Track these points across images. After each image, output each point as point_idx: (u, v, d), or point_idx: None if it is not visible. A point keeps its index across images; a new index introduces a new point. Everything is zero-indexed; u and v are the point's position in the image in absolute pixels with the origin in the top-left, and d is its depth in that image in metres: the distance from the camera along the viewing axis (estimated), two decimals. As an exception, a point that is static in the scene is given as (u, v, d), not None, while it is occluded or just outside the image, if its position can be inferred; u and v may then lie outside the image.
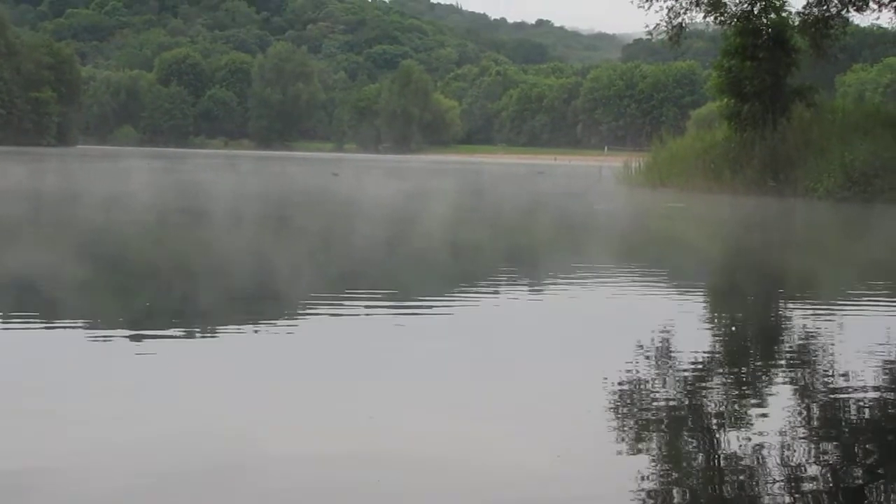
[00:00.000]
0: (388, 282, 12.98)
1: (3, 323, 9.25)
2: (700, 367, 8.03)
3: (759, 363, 8.50)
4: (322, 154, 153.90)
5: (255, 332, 9.01)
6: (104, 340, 8.38)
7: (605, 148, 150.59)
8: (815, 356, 8.65)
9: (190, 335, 8.87)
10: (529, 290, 12.60)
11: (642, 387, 7.21)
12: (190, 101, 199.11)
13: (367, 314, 10.15)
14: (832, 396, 7.13)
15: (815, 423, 6.40)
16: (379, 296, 11.42)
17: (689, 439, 5.97)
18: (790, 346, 9.20)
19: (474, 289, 12.45)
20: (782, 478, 5.25)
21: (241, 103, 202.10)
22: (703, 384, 7.43)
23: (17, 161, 63.25)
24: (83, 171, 55.29)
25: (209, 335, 8.92)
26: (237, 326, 9.29)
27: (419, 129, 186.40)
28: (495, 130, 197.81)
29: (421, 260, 15.74)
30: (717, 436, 6.04)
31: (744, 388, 7.41)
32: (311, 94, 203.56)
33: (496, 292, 12.23)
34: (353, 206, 29.33)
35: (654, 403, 6.78)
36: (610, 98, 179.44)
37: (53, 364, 7.49)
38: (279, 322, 9.52)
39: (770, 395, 7.19)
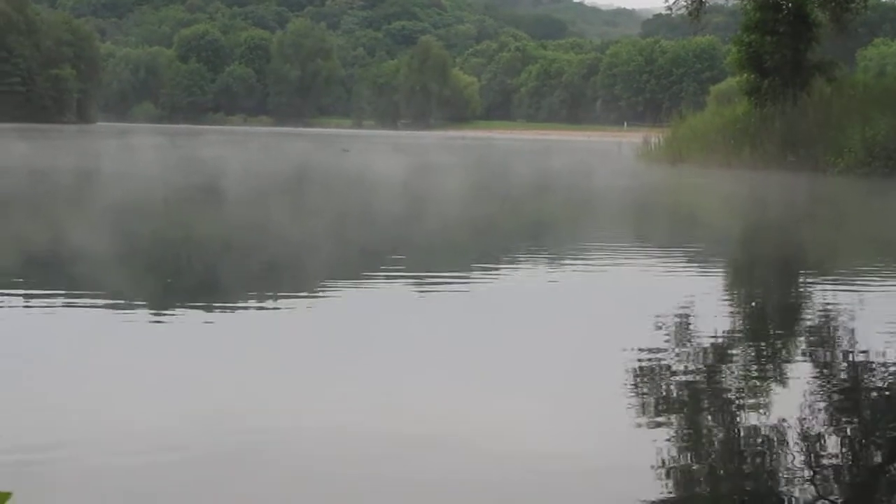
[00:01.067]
0: (404, 259, 12.96)
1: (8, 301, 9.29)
2: (720, 343, 8.01)
3: (779, 339, 8.48)
4: (340, 130, 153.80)
5: (262, 310, 9.03)
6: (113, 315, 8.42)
7: (625, 124, 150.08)
8: (836, 332, 8.62)
9: (204, 312, 8.88)
10: (548, 267, 12.58)
11: (662, 363, 7.20)
12: (209, 77, 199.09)
13: (385, 290, 10.15)
14: (853, 373, 7.11)
15: (836, 400, 6.38)
16: (395, 273, 11.42)
17: (710, 415, 5.96)
18: (811, 323, 9.17)
19: (492, 266, 12.43)
20: (803, 454, 5.24)
21: (260, 80, 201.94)
22: (724, 360, 7.42)
23: (23, 138, 63.34)
24: (90, 147, 55.35)
25: (220, 313, 8.93)
26: (246, 305, 9.31)
27: (438, 106, 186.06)
28: (514, 106, 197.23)
29: (438, 237, 15.72)
30: (738, 412, 6.02)
31: (764, 364, 7.39)
32: (330, 71, 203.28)
33: (514, 269, 12.22)
34: (353, 181, 29.25)
35: (675, 379, 6.77)
36: (629, 74, 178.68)
37: (68, 340, 7.53)
38: (283, 301, 9.54)
39: (790, 371, 7.17)
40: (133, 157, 43.75)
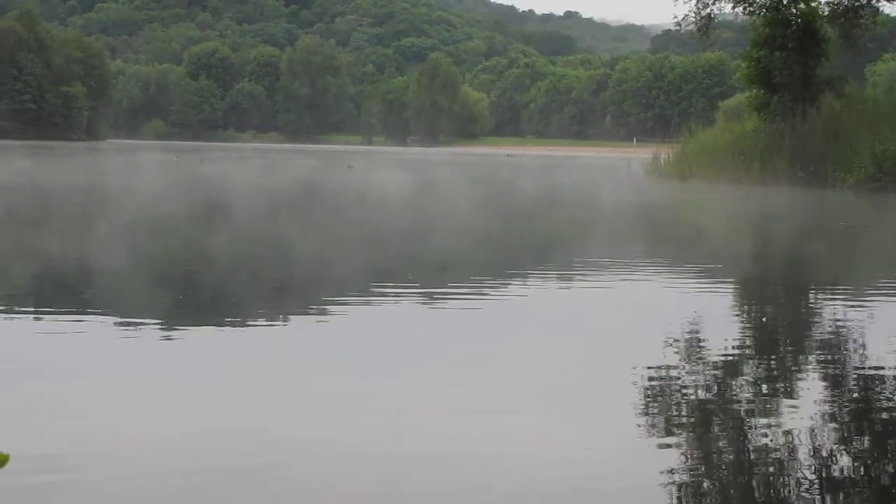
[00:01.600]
0: (412, 277, 12.96)
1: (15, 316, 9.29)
2: (731, 358, 7.98)
3: (789, 354, 8.44)
4: (349, 147, 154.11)
5: (271, 326, 9.02)
6: (127, 332, 8.42)
7: (634, 139, 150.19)
8: (847, 347, 8.58)
9: (213, 328, 8.88)
10: (557, 284, 12.56)
11: (673, 378, 7.17)
12: (219, 94, 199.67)
13: (395, 308, 10.13)
14: (864, 388, 7.07)
15: (847, 416, 6.34)
16: (405, 290, 11.40)
17: (721, 431, 5.93)
18: (823, 339, 9.12)
19: (502, 283, 12.40)
20: (813, 470, 5.20)
21: (270, 97, 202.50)
22: (735, 377, 7.38)
23: (30, 155, 63.52)
24: (93, 164, 55.49)
25: (230, 329, 8.93)
26: (255, 324, 9.30)
27: (447, 122, 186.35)
28: (523, 122, 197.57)
29: (445, 254, 15.71)
30: (748, 427, 5.99)
31: (775, 379, 7.36)
32: (340, 87, 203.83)
33: (524, 286, 12.20)
34: (356, 199, 29.23)
35: (685, 395, 6.74)
36: (639, 89, 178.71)
37: (84, 355, 7.52)
38: (291, 317, 9.54)
39: (801, 386, 7.13)
40: (135, 174, 43.84)
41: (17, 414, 5.97)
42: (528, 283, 12.44)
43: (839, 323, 9.82)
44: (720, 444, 5.67)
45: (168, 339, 8.29)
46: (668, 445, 5.58)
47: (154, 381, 6.77)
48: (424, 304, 10.37)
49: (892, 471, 5.30)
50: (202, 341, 8.26)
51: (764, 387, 7.07)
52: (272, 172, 48.84)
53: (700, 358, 7.96)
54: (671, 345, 8.38)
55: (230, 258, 14.43)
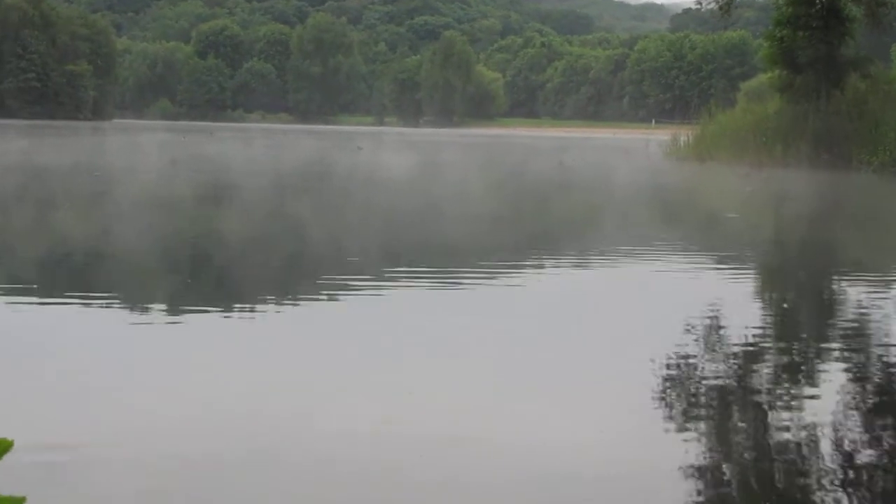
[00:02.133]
0: (421, 260, 12.94)
1: None
2: (751, 346, 7.93)
3: (811, 343, 8.39)
4: (360, 128, 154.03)
5: (278, 311, 9.01)
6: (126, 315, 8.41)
7: (653, 121, 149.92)
8: (871, 335, 8.52)
9: (224, 313, 8.87)
10: (572, 269, 12.52)
11: (691, 366, 7.13)
12: (227, 73, 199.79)
13: (403, 291, 10.10)
14: (889, 379, 7.01)
15: (869, 405, 6.28)
16: (413, 274, 11.38)
17: (738, 420, 5.88)
18: (844, 325, 9.06)
19: (514, 268, 12.37)
20: (833, 461, 5.16)
21: (280, 76, 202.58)
22: (754, 364, 7.33)
23: (31, 135, 63.65)
24: (96, 144, 55.64)
25: (237, 314, 8.91)
26: (261, 306, 9.29)
27: (461, 102, 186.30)
28: (539, 103, 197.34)
29: (456, 237, 15.68)
30: (767, 417, 5.94)
31: (795, 367, 7.31)
32: (351, 67, 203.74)
33: (537, 271, 12.16)
34: (364, 180, 29.25)
35: (703, 383, 6.69)
36: (658, 70, 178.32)
37: (88, 340, 7.51)
38: (298, 301, 9.51)
39: (822, 375, 7.07)
40: (137, 154, 43.91)
41: (20, 399, 5.96)
42: (541, 268, 12.39)
43: (863, 310, 9.76)
44: (739, 434, 5.63)
45: (174, 323, 8.27)
46: (685, 434, 5.54)
47: (160, 367, 6.75)
48: (435, 289, 10.33)
49: (917, 463, 5.25)
50: (209, 326, 8.24)
51: (785, 376, 7.02)
52: (279, 153, 48.90)
53: (719, 346, 7.91)
54: (689, 332, 8.33)
55: (236, 241, 14.42)
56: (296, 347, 7.48)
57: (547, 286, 10.89)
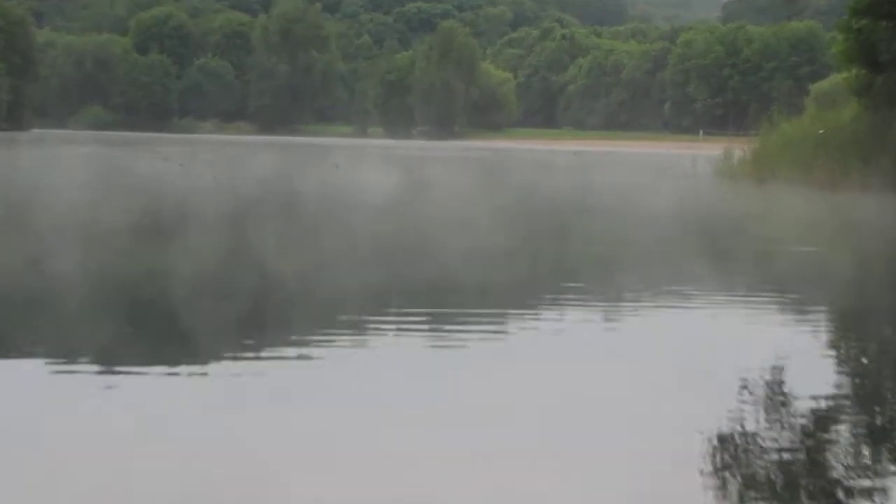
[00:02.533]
0: (415, 305, 12.96)
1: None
2: (821, 412, 7.92)
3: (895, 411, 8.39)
4: (338, 140, 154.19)
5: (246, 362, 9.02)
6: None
7: (701, 132, 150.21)
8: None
9: (167, 370, 8.87)
10: (602, 312, 12.51)
11: (746, 435, 7.12)
12: (174, 73, 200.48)
13: (395, 342, 10.11)
14: None
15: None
16: (406, 321, 11.40)
17: (808, 506, 5.89)
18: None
19: (528, 313, 12.37)
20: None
21: (239, 76, 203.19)
22: (825, 435, 7.33)
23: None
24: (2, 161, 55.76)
25: (189, 371, 8.92)
26: (223, 362, 9.30)
27: (463, 109, 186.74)
28: (560, 110, 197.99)
29: (456, 276, 15.71)
30: (843, 501, 5.95)
31: (877, 442, 7.30)
32: (327, 65, 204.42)
33: (557, 316, 12.15)
34: (341, 208, 29.30)
35: (761, 458, 6.69)
36: (706, 68, 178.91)
37: (16, 408, 7.53)
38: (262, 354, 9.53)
39: (912, 449, 7.08)
40: (62, 169, 43.99)
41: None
42: (562, 314, 12.39)
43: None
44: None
45: (112, 386, 8.26)
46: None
47: (97, 439, 6.76)
48: (432, 339, 10.34)
49: None
50: (156, 387, 8.24)
51: (864, 452, 7.02)
52: (237, 172, 48.95)
53: (781, 412, 7.91)
54: (744, 393, 8.33)
55: (185, 282, 14.42)
56: (263, 413, 7.48)
57: (568, 337, 10.88)
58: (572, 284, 15.39)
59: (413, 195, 35.35)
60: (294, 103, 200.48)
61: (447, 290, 14.10)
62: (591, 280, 16.18)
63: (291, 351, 9.64)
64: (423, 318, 11.57)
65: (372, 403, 7.76)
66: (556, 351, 10.07)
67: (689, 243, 22.19)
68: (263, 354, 9.47)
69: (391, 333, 10.64)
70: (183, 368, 8.93)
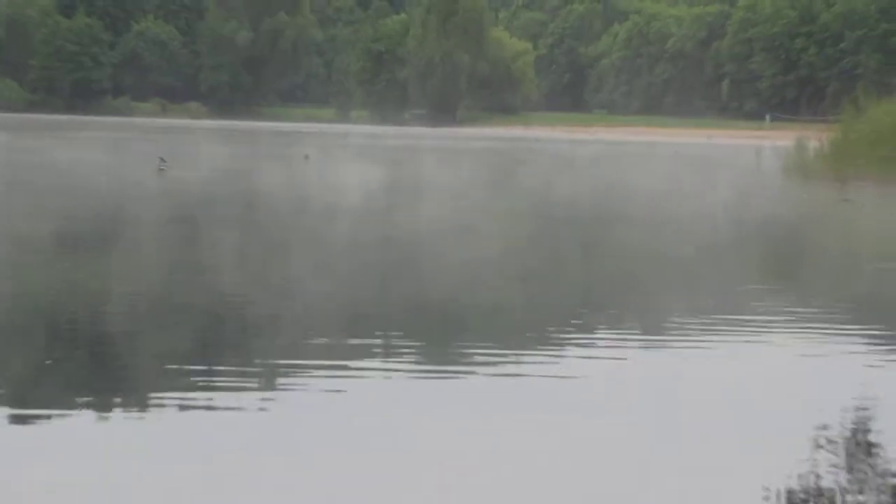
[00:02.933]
0: (412, 336, 13.02)
1: None
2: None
3: None
4: (312, 126, 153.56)
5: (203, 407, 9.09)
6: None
7: (767, 117, 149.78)
8: None
9: (102, 412, 8.94)
10: (639, 349, 12.55)
11: (825, 496, 7.19)
12: (106, 41, 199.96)
13: (386, 382, 10.19)
14: None
15: None
16: (399, 356, 11.46)
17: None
18: None
19: (549, 348, 12.42)
20: None
21: (189, 45, 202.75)
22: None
23: None
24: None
25: (128, 412, 8.99)
26: (171, 404, 9.36)
27: (469, 88, 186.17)
28: (590, 90, 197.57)
29: (458, 301, 15.77)
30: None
31: None
32: (299, 32, 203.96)
33: (586, 352, 12.19)
34: (310, 212, 29.34)
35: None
36: (774, 39, 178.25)
37: None
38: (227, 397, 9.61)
39: None
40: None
41: None
42: (592, 349, 12.43)
43: None
44: None
45: (35, 427, 8.34)
46: None
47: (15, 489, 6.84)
48: (429, 379, 10.41)
49: None
50: (90, 430, 8.33)
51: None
52: (178, 165, 48.89)
53: (868, 466, 7.97)
54: (823, 445, 8.39)
55: (122, 303, 14.50)
56: (225, 464, 7.56)
57: (603, 378, 10.93)
58: (601, 313, 15.43)
59: (396, 199, 35.26)
60: (257, 80, 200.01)
61: (437, 322, 14.16)
62: (625, 309, 16.18)
63: (252, 396, 9.71)
64: (409, 355, 11.64)
65: (350, 454, 7.84)
66: (583, 398, 10.12)
67: (749, 261, 22.22)
68: (217, 401, 9.53)
69: (370, 374, 10.70)
70: (131, 413, 9.02)
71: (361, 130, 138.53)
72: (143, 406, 9.26)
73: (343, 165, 52.94)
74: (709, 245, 24.65)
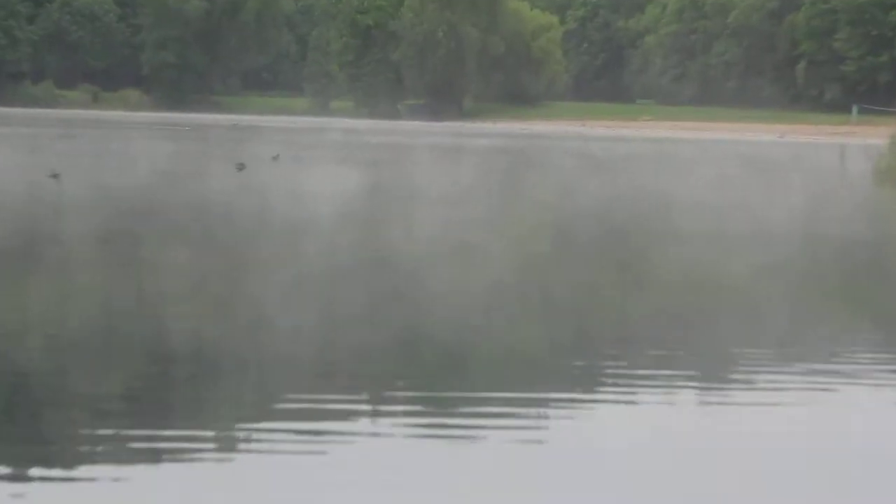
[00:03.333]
0: (412, 384, 13.04)
1: None
2: None
3: None
4: (283, 119, 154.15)
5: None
6: None
7: (854, 109, 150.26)
8: None
9: (21, 479, 8.96)
10: (697, 404, 12.56)
11: None
12: (24, 14, 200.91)
13: (377, 441, 10.18)
14: None
15: None
16: (400, 407, 11.48)
17: None
18: None
19: (575, 397, 12.44)
20: None
21: (126, 19, 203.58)
22: None
23: None
24: None
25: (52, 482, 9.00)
26: (112, 467, 9.38)
27: (479, 72, 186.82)
28: (631, 74, 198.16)
29: (463, 341, 15.82)
30: None
31: None
32: (265, 1, 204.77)
33: (618, 402, 12.22)
34: (279, 231, 29.46)
35: None
36: (864, 10, 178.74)
37: None
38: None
39: None
40: None
41: None
42: (629, 407, 12.43)
43: None
44: None
45: None
46: None
47: None
48: (430, 436, 10.42)
49: None
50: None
51: None
52: (105, 169, 49.07)
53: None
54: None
55: (40, 347, 14.55)
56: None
57: (647, 448, 10.92)
58: (640, 361, 15.43)
59: (381, 213, 35.34)
60: (213, 62, 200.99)
61: (431, 372, 14.18)
62: (671, 358, 16.18)
63: (207, 466, 9.72)
64: (400, 413, 11.65)
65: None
66: (621, 470, 10.11)
67: (830, 291, 22.27)
68: (164, 466, 9.54)
69: (352, 437, 10.71)
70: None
71: (343, 125, 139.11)
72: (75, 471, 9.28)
73: (319, 169, 53.06)
74: (779, 274, 24.68)
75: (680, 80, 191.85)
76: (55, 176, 39.78)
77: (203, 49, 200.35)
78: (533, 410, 11.75)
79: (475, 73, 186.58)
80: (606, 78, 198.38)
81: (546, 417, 11.51)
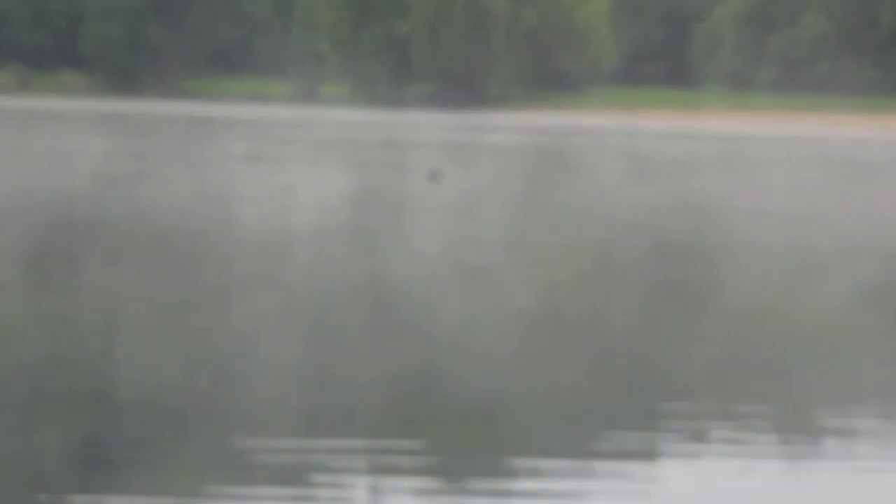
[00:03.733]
0: (423, 451, 13.24)
1: None
2: None
3: None
4: (264, 111, 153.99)
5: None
6: None
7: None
8: None
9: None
10: (785, 454, 12.74)
11: None
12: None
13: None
14: None
15: None
16: (403, 473, 11.69)
17: None
18: None
19: (631, 462, 12.62)
20: None
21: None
22: None
23: None
24: None
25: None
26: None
27: (507, 51, 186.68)
28: (697, 56, 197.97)
29: (486, 391, 16.01)
30: None
31: None
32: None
33: (692, 452, 12.39)
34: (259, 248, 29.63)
35: None
36: None
37: None
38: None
39: None
40: None
41: None
42: (697, 450, 12.63)
43: None
44: None
45: None
46: None
47: None
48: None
49: None
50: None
51: None
52: (28, 170, 49.17)
53: None
54: None
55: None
56: None
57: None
58: (702, 421, 15.62)
59: (377, 227, 35.42)
60: (172, 37, 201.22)
61: (444, 431, 14.38)
62: (748, 400, 16.36)
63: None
64: (409, 483, 11.85)
65: None
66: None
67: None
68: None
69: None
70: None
71: (335, 117, 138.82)
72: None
73: (307, 171, 53.12)
74: (870, 306, 24.78)
75: (757, 61, 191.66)
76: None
77: (160, 21, 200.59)
78: (563, 481, 11.97)
79: (501, 51, 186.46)
80: (665, 59, 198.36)
81: (582, 492, 11.72)
